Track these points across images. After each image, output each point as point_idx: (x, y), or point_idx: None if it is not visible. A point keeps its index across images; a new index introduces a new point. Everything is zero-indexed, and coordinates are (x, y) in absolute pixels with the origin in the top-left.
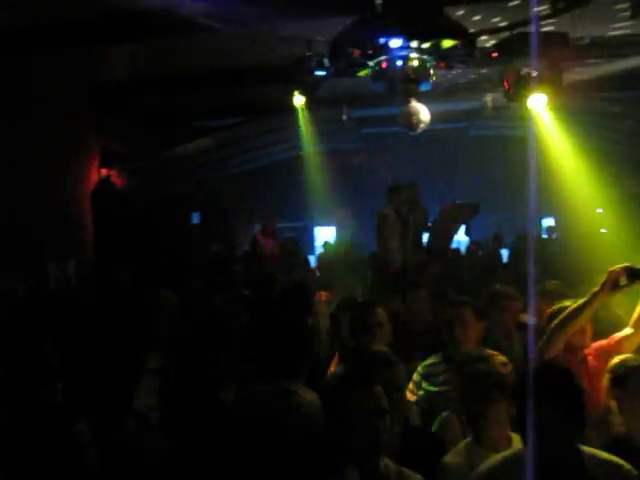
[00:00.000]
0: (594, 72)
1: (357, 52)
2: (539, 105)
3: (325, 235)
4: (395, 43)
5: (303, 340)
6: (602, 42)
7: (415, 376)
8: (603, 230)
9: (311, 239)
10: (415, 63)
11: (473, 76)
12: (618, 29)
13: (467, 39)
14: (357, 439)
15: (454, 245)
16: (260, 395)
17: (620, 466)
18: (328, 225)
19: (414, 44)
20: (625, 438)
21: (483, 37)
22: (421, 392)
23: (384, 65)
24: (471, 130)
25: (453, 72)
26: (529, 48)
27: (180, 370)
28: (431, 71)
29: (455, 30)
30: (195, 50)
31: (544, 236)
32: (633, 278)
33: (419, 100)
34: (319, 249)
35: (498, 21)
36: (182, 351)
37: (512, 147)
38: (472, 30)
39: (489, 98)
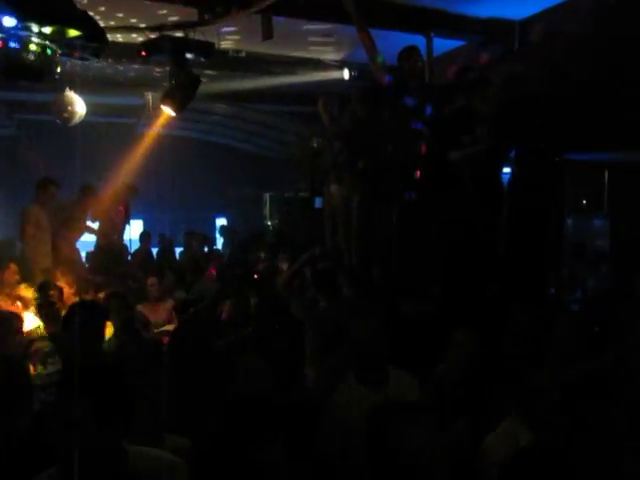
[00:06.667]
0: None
1: None
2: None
3: None
4: (9, 22)
5: None
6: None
7: None
8: None
9: None
10: (33, 48)
11: (133, 73)
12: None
13: (95, 32)
14: None
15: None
16: None
17: (162, 458)
18: None
19: (34, 28)
20: None
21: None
22: None
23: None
24: (139, 127)
25: (116, 66)
26: (177, 52)
27: None
28: (57, 59)
29: (80, 20)
30: None
31: (217, 235)
32: None
33: (76, 90)
34: None
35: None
36: None
37: (182, 147)
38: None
39: (150, 96)
